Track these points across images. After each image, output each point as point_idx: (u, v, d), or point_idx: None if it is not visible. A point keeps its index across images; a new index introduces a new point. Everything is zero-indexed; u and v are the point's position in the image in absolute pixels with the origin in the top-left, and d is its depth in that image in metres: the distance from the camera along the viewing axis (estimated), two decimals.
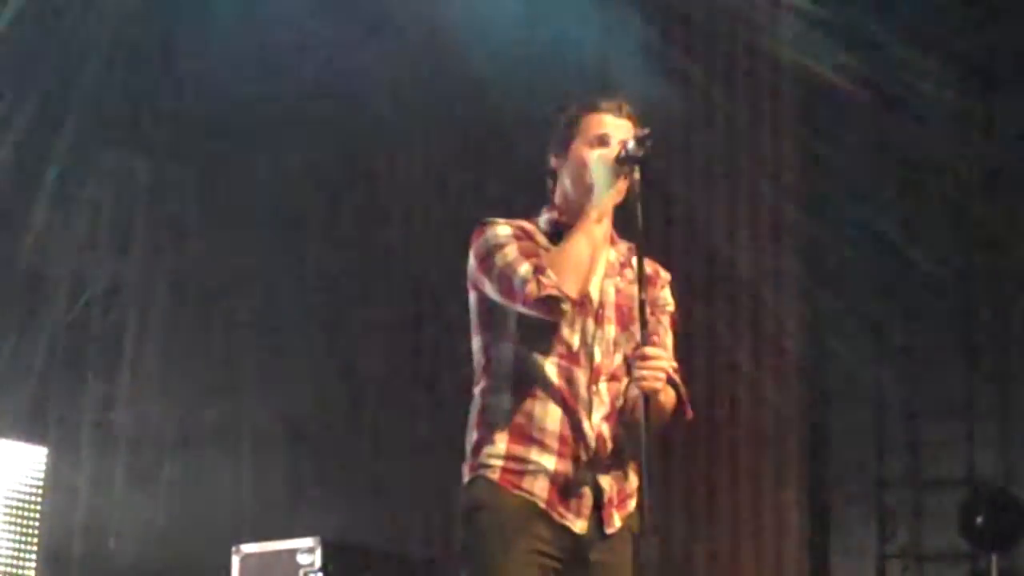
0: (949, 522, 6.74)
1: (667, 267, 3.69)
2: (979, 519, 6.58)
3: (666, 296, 3.65)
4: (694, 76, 7.70)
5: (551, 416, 3.43)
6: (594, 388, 3.46)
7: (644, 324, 3.37)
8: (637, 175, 3.41)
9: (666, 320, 3.62)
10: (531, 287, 3.35)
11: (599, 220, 3.45)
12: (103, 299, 8.01)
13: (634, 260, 3.49)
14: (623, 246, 3.63)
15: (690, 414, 3.53)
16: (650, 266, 3.57)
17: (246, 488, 7.33)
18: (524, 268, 3.39)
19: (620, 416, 3.49)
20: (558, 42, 7.33)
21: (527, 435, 3.43)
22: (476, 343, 3.56)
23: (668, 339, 3.60)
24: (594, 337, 3.49)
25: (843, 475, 7.29)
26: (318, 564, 6.29)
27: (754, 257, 7.41)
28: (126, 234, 8.13)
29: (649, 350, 3.33)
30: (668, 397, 3.44)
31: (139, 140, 8.04)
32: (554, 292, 3.34)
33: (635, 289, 3.46)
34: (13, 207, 7.51)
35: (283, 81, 7.67)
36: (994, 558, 6.61)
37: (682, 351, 3.58)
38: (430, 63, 7.69)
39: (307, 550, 6.35)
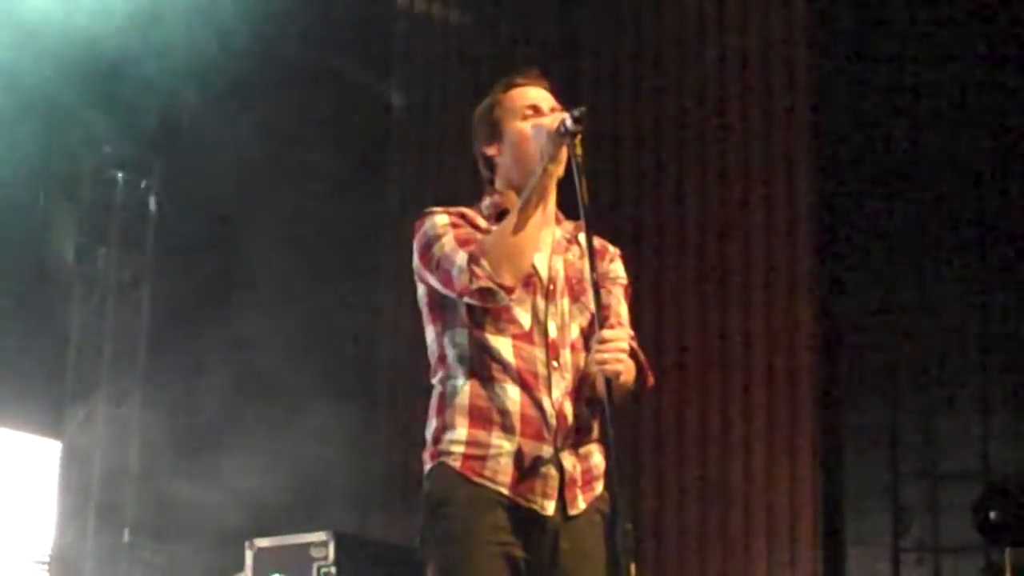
0: (964, 516, 6.74)
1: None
2: (993, 513, 6.58)
3: (617, 269, 3.62)
4: (707, 72, 7.73)
5: (510, 397, 3.39)
6: (554, 364, 3.43)
7: (599, 305, 3.34)
8: (579, 149, 3.34)
9: (618, 291, 3.60)
10: (464, 279, 3.33)
11: (541, 199, 3.38)
12: (118, 293, 8.02)
13: (580, 237, 3.49)
14: (569, 225, 3.60)
15: (652, 380, 3.47)
16: (597, 241, 3.50)
17: (259, 482, 7.32)
18: (460, 258, 3.36)
19: (580, 392, 3.45)
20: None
21: (487, 418, 3.39)
22: (429, 333, 3.53)
23: (623, 309, 3.58)
24: (546, 313, 3.46)
25: (858, 469, 7.28)
26: (331, 558, 6.27)
27: (768, 253, 7.41)
28: (141, 229, 8.13)
29: (607, 333, 3.29)
30: (628, 368, 3.37)
31: (154, 137, 8.04)
32: (487, 284, 3.32)
33: (584, 263, 3.45)
34: (28, 203, 7.52)
35: None
36: (1008, 552, 6.61)
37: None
38: None
39: (320, 544, 6.33)
